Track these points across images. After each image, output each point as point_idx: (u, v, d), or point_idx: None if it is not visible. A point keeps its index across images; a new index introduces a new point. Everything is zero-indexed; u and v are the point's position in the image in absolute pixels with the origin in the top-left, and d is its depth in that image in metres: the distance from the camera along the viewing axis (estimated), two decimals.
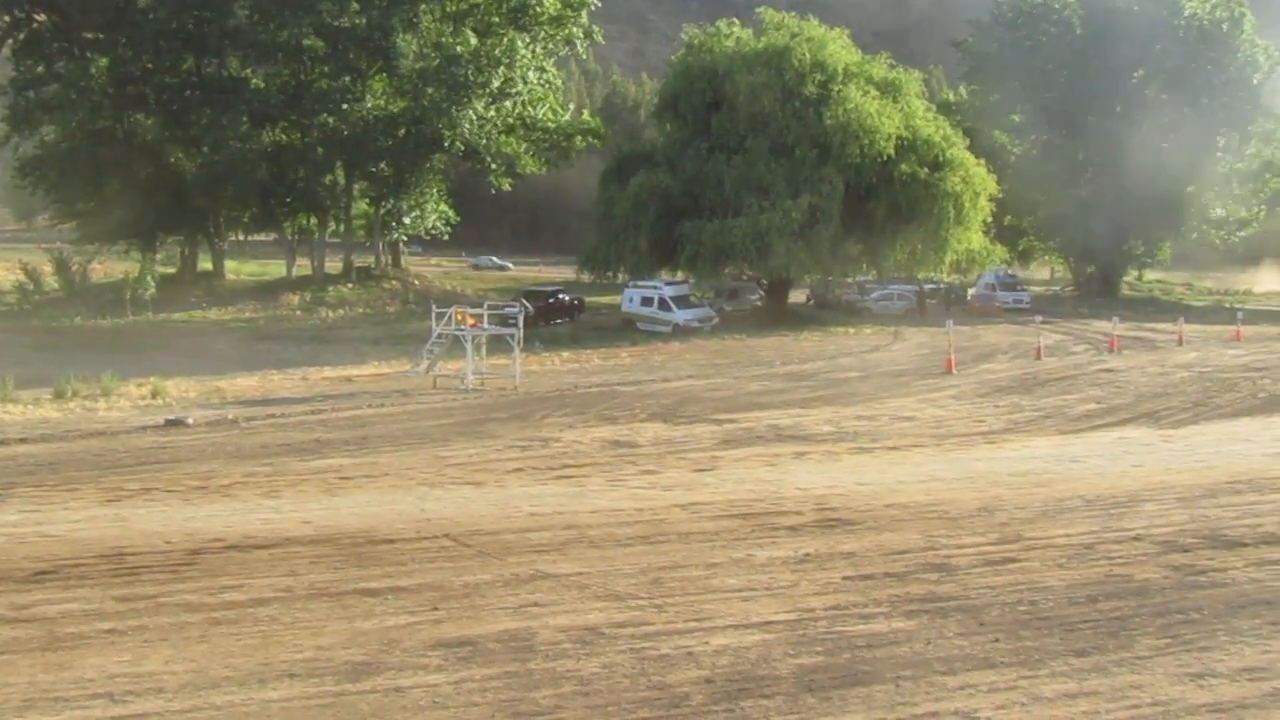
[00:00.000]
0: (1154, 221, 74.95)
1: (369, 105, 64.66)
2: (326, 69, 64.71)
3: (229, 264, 71.60)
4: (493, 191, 72.78)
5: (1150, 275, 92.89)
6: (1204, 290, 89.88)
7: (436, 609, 11.43)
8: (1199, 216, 76.52)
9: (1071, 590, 12.09)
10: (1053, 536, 14.44)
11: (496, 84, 63.22)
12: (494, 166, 68.08)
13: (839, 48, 59.05)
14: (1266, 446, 22.22)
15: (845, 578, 12.58)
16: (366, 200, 70.99)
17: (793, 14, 61.66)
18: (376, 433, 24.83)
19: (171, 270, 66.78)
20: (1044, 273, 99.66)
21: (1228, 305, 73.74)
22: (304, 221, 70.66)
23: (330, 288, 65.06)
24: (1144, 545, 14.01)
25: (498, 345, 37.63)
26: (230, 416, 27.02)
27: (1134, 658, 10.14)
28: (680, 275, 60.83)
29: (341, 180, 67.26)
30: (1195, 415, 26.94)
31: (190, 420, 26.19)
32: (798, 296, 68.24)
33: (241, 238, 77.93)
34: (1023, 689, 9.39)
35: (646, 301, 55.40)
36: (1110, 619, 11.17)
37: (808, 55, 56.90)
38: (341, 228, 70.30)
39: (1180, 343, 46.50)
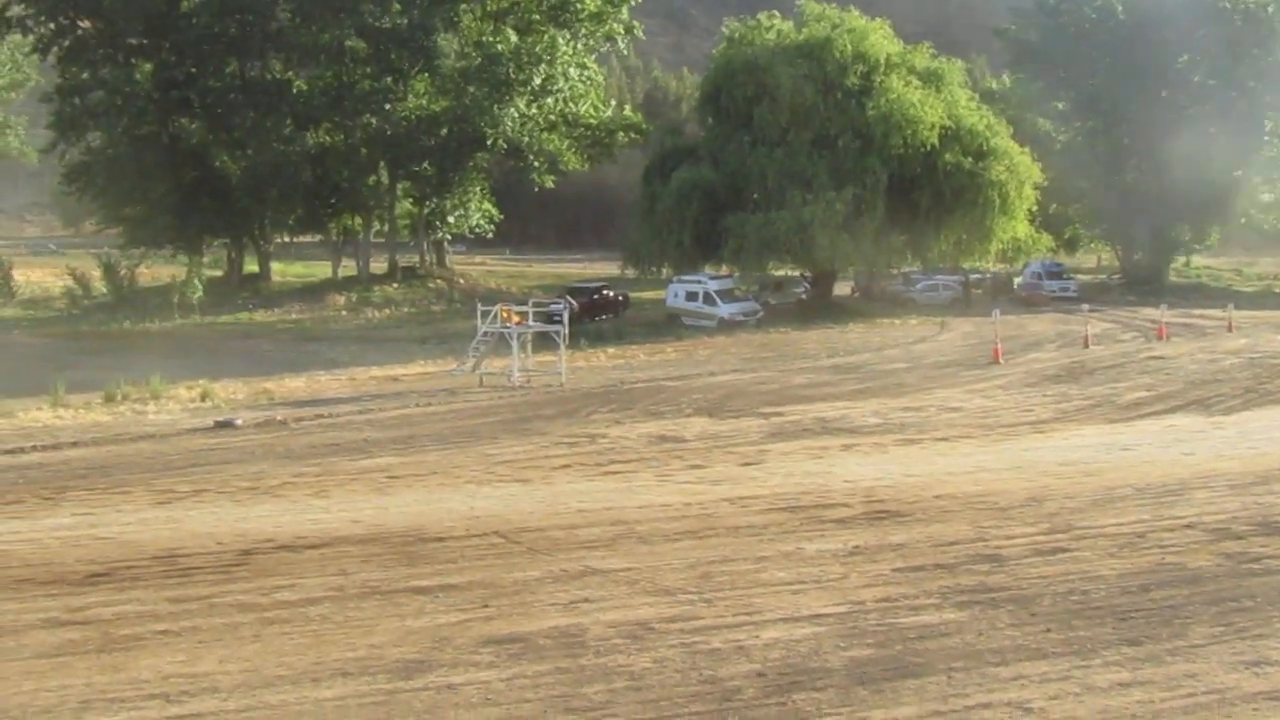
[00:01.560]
0: (1201, 207, 74.05)
1: (411, 105, 64.92)
2: (369, 70, 65.00)
3: (275, 266, 72.08)
4: (535, 189, 72.89)
5: (1198, 261, 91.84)
6: (1253, 276, 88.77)
7: (487, 606, 11.46)
8: (1247, 201, 75.58)
9: (1123, 579, 12.00)
10: (1103, 525, 14.33)
11: (538, 81, 63.30)
12: (536, 164, 68.12)
13: (880, 38, 58.77)
14: None
15: (895, 569, 12.54)
16: (410, 200, 71.23)
17: (833, 5, 61.25)
18: (424, 431, 24.94)
19: (218, 273, 67.36)
20: (1090, 261, 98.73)
21: (1278, 291, 72.84)
22: (348, 222, 71.06)
23: (375, 288, 65.38)
24: (1196, 533, 13.88)
25: (543, 342, 37.70)
26: (279, 417, 27.22)
27: (1188, 646, 10.05)
28: (724, 269, 60.73)
29: (385, 180, 67.53)
30: (1246, 402, 26.66)
31: (239, 422, 26.40)
32: (843, 288, 67.96)
33: (287, 240, 78.40)
34: (1076, 679, 9.32)
35: (691, 296, 55.36)
36: (1163, 608, 11.08)
37: (849, 46, 56.72)
38: (386, 228, 70.63)
39: (1230, 329, 46.01)
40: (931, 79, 58.43)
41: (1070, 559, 12.83)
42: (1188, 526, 14.20)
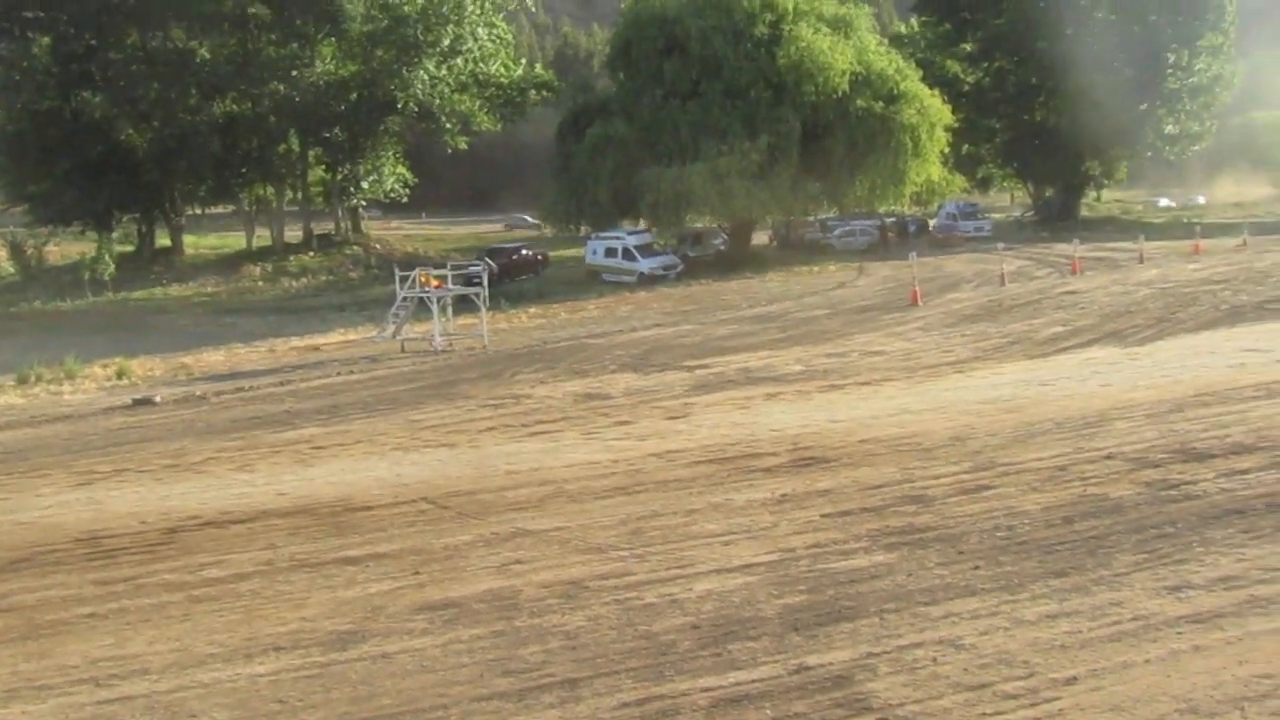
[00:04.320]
0: (1109, 141, 75.12)
1: (319, 71, 64.07)
2: (274, 36, 64.10)
3: (187, 239, 71.07)
4: (449, 151, 72.37)
5: (1109, 195, 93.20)
6: (1161, 207, 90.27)
7: (418, 573, 11.41)
8: (1153, 134, 76.71)
9: (1048, 513, 12.18)
10: (1026, 461, 14.53)
11: (446, 42, 62.75)
12: (449, 126, 67.68)
13: None
14: (1229, 358, 22.36)
15: (824, 515, 12.63)
16: (323, 167, 70.54)
17: None
18: (347, 400, 24.73)
19: (129, 249, 66.23)
20: (1004, 199, 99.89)
21: (1186, 220, 74.14)
22: (261, 192, 70.20)
23: (291, 257, 64.73)
24: (1116, 463, 14.12)
25: (464, 305, 37.50)
26: (198, 393, 26.89)
27: (1112, 575, 10.23)
28: (642, 224, 60.66)
29: (296, 148, 66.77)
30: (1159, 331, 27.11)
31: (158, 399, 26.05)
32: (760, 238, 68.17)
33: (199, 212, 77.25)
34: (1005, 614, 9.46)
35: (610, 252, 55.31)
36: (1087, 539, 11.26)
37: None
38: (299, 196, 69.87)
39: (1141, 260, 46.77)
40: (840, 25, 58.55)
41: (995, 496, 13.00)
42: (1108, 457, 14.43)
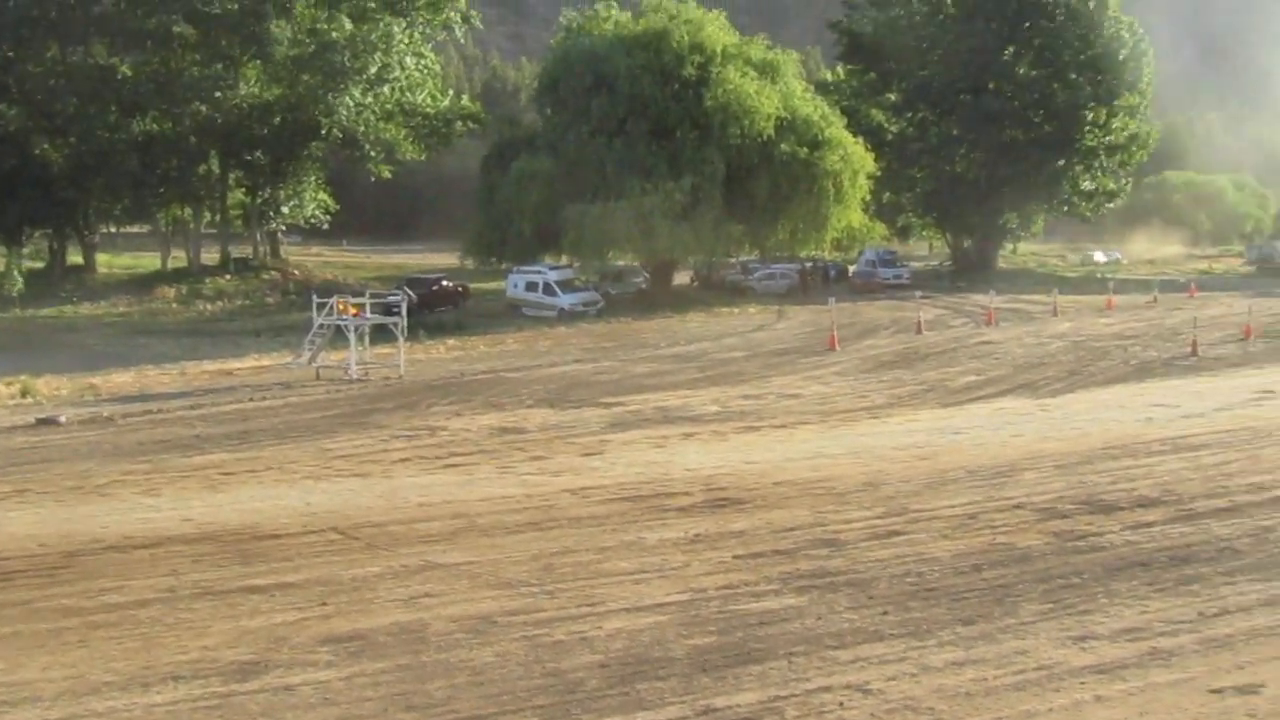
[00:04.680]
0: (1027, 195, 76.49)
1: (243, 93, 63.46)
2: (198, 56, 63.37)
3: (100, 257, 69.83)
4: (372, 179, 71.97)
5: (1025, 248, 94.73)
6: (1076, 262, 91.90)
7: (325, 604, 11.26)
8: (1070, 189, 78.16)
9: (957, 560, 12.27)
10: (937, 508, 14.65)
11: (374, 70, 62.47)
12: (373, 153, 67.32)
13: (717, 29, 59.17)
14: (1138, 412, 22.78)
15: (736, 556, 12.63)
16: (243, 190, 69.74)
17: None
18: (258, 426, 24.39)
19: (40, 265, 65.01)
20: (923, 248, 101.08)
21: (1100, 275, 75.52)
22: (178, 212, 69.26)
23: (207, 279, 63.84)
24: (1025, 513, 14.28)
25: (382, 335, 37.20)
26: (105, 414, 26.39)
27: (1019, 624, 10.32)
28: (564, 260, 60.62)
29: (216, 169, 66.04)
30: (1071, 384, 27.55)
31: (63, 419, 25.52)
32: (682, 278, 68.43)
33: (113, 230, 76.04)
34: (912, 660, 9.50)
35: (531, 286, 55.20)
36: (995, 587, 11.36)
37: (686, 37, 57.01)
38: (217, 218, 69.03)
39: (1055, 313, 47.51)
40: (767, 70, 59.06)
41: (905, 542, 13.08)
42: (1017, 507, 14.60)
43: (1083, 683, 9.05)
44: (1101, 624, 10.30)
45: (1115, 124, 76.26)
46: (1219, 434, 19.96)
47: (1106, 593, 11.13)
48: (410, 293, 48.31)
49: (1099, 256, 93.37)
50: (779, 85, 58.33)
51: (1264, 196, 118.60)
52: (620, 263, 63.91)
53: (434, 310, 54.50)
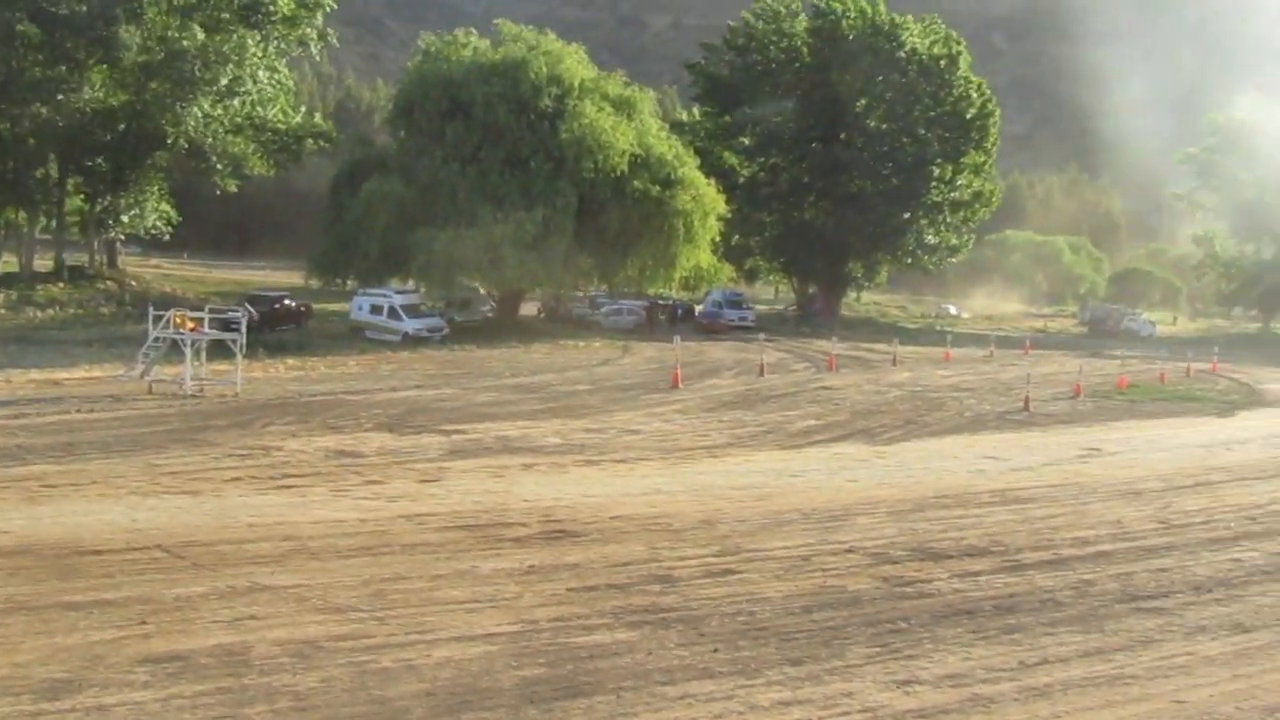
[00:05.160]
0: (872, 245, 78.30)
1: (87, 97, 61.60)
2: (41, 57, 61.34)
3: None
4: (218, 192, 70.51)
5: (869, 297, 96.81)
6: (918, 314, 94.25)
7: (145, 623, 10.92)
8: (914, 242, 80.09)
9: (788, 601, 12.40)
10: (771, 549, 14.80)
11: (225, 81, 61.11)
12: (219, 166, 65.84)
13: (575, 63, 59.51)
14: (970, 463, 23.37)
15: (570, 589, 12.59)
16: (81, 196, 67.65)
17: (530, 28, 61.78)
18: (85, 439, 23.60)
19: None
20: (769, 292, 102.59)
21: (939, 328, 77.49)
22: (11, 216, 66.81)
23: (39, 286, 61.56)
24: (856, 557, 14.50)
25: (219, 351, 36.36)
26: None
27: (845, 666, 10.45)
28: (411, 284, 60.11)
29: (54, 174, 63.94)
30: (906, 433, 28.13)
31: None
32: (529, 308, 68.34)
33: None
34: (740, 698, 9.55)
35: (376, 309, 54.64)
36: (824, 629, 11.50)
37: (544, 69, 57.18)
38: (53, 224, 66.83)
39: (894, 363, 48.58)
40: (623, 106, 59.53)
41: (739, 581, 13.18)
42: (849, 551, 14.82)
43: None
44: (926, 669, 10.49)
45: (960, 181, 78.62)
46: (1047, 488, 20.60)
47: (932, 639, 11.34)
48: (251, 310, 47.32)
49: (952, 310, 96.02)
50: (635, 122, 58.82)
51: (1099, 260, 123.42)
52: (468, 290, 63.58)
53: (275, 329, 53.45)
